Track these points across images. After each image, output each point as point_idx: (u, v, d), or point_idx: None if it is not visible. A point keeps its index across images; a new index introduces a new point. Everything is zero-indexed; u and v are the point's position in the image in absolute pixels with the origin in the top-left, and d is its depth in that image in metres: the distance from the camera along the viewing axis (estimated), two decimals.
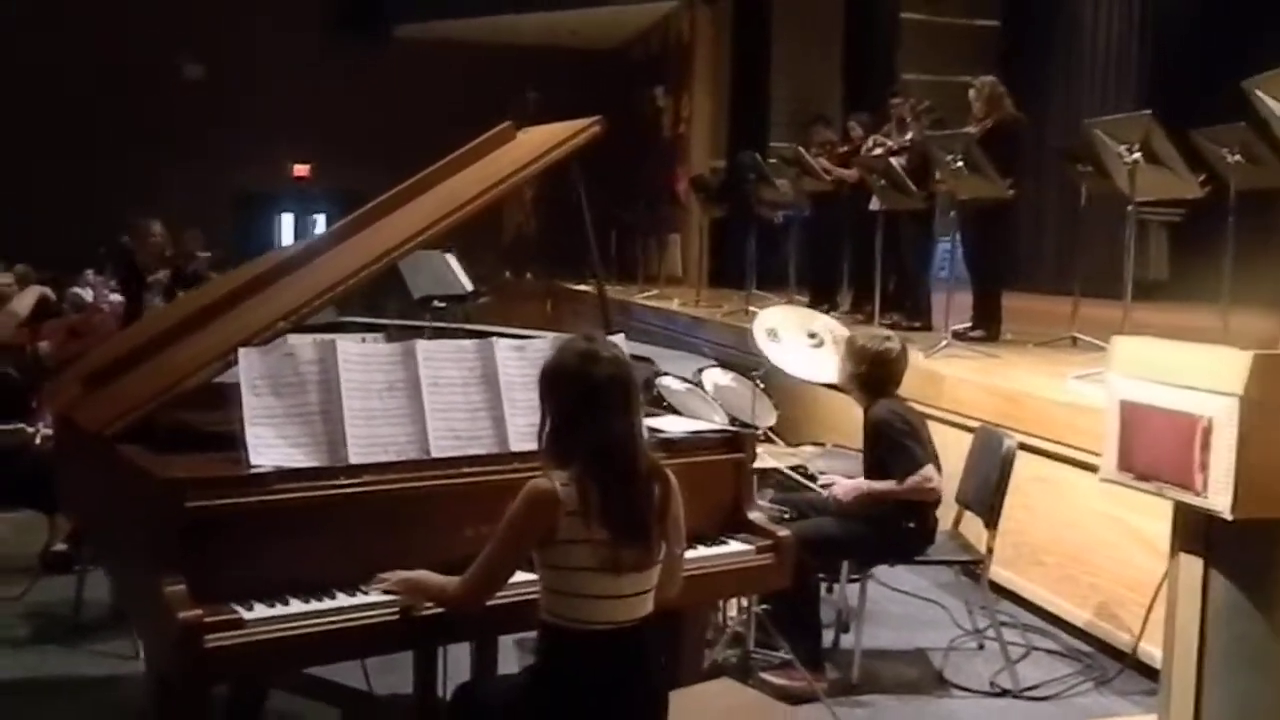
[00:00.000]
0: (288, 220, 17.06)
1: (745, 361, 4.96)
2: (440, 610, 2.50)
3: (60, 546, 4.96)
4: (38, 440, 4.76)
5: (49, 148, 14.44)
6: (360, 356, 2.77)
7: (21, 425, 4.79)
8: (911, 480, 3.98)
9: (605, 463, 2.37)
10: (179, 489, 2.42)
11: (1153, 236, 12.08)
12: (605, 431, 2.38)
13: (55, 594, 4.66)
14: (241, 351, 2.66)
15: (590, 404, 2.39)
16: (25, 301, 6.62)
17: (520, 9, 15.12)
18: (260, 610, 2.41)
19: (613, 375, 2.42)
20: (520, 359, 2.89)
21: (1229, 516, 2.94)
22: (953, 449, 4.38)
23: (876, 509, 4.04)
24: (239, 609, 2.39)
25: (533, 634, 2.56)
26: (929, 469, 4.00)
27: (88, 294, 8.53)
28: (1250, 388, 2.90)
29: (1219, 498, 2.96)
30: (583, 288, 12.38)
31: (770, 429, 4.86)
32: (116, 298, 7.79)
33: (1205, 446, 3.00)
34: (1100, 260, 8.52)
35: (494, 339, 2.98)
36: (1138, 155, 5.27)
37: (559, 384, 2.43)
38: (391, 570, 2.52)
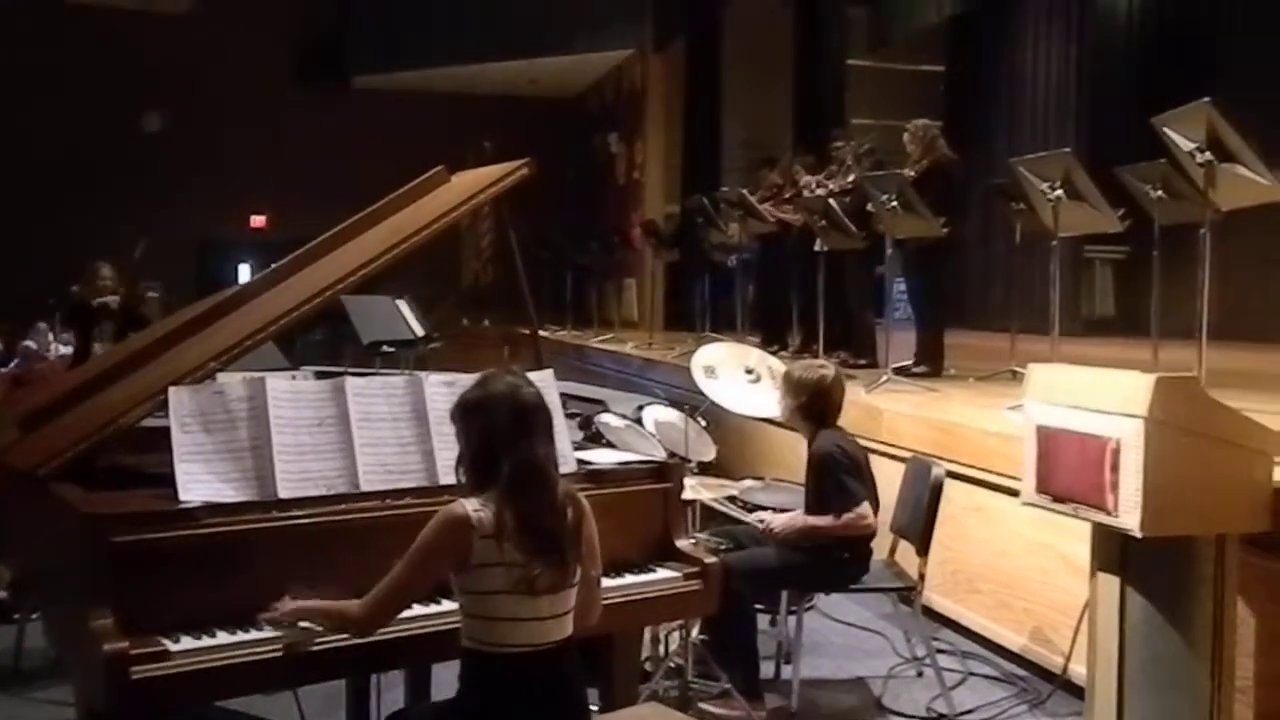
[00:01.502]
0: (245, 271, 17.04)
1: (694, 401, 5.04)
2: (366, 640, 2.53)
3: (0, 594, 4.94)
4: None
5: (5, 199, 14.39)
6: (290, 393, 2.82)
7: None
8: (847, 517, 4.04)
9: (525, 484, 2.44)
10: (104, 524, 2.47)
11: (1098, 273, 12.38)
12: (530, 453, 2.47)
13: None
14: (171, 390, 2.71)
15: (518, 425, 2.48)
16: None
17: (478, 59, 15.25)
18: (186, 642, 2.45)
19: (538, 402, 2.55)
20: (449, 394, 2.92)
21: (1139, 534, 3.03)
22: (889, 480, 4.45)
23: (812, 541, 4.12)
24: (165, 641, 2.43)
25: None
26: (865, 506, 4.07)
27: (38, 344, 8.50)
28: (1154, 409, 3.01)
29: (1129, 517, 3.06)
30: (542, 334, 12.43)
31: (709, 463, 4.92)
32: (64, 349, 7.78)
33: (1115, 467, 3.09)
34: (1041, 296, 8.67)
35: (424, 375, 3.05)
36: (1060, 192, 5.41)
37: (490, 408, 2.51)
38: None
